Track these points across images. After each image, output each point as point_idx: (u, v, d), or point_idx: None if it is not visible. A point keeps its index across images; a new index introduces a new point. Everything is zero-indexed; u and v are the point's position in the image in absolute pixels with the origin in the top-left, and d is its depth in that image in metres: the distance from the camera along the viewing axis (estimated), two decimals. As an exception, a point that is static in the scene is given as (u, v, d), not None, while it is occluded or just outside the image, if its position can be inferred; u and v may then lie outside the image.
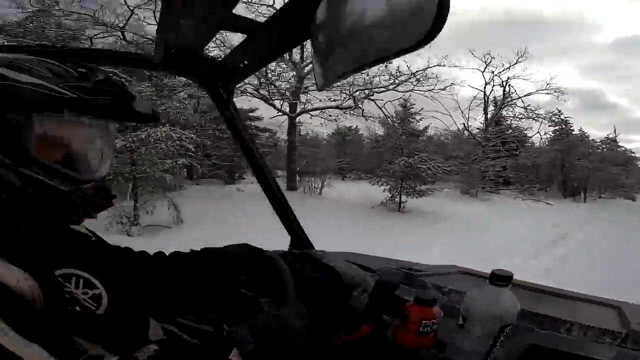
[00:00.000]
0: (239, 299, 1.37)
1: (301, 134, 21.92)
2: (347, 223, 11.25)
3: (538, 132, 27.07)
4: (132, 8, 13.97)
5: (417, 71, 18.21)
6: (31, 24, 12.84)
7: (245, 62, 1.24)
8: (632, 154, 29.90)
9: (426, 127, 22.10)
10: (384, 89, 18.21)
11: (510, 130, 25.66)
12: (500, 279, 0.90)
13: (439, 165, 15.79)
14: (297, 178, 17.76)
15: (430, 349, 1.02)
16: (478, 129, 26.32)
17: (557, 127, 27.31)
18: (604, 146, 28.51)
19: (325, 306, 1.40)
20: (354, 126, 29.31)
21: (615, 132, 28.84)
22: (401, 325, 1.04)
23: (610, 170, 25.73)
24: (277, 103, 17.51)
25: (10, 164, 0.76)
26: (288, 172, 17.92)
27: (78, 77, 0.82)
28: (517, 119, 26.21)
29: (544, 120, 25.97)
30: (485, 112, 26.00)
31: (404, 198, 14.90)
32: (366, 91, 17.79)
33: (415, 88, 18.48)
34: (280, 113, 17.68)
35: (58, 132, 0.82)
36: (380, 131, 23.72)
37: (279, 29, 0.97)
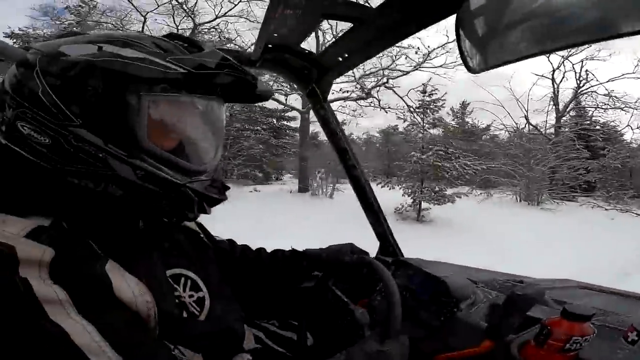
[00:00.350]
0: (328, 305, 1.30)
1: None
2: (338, 232, 8.55)
3: (628, 126, 20.65)
4: (144, 14, 14.31)
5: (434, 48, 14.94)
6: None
7: (346, 55, 1.18)
8: None
9: (488, 126, 20.20)
10: (399, 73, 15.44)
11: (596, 126, 20.79)
12: None
13: (467, 163, 13.17)
14: (313, 179, 16.02)
15: None
16: (558, 125, 21.59)
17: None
18: None
19: (425, 318, 1.30)
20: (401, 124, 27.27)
21: None
22: (535, 341, 0.92)
23: None
24: (285, 97, 16.54)
25: (122, 155, 0.67)
26: (300, 173, 16.65)
27: (186, 50, 0.73)
28: (602, 110, 20.84)
29: (635, 111, 19.73)
30: (556, 103, 21.54)
31: (425, 205, 12.19)
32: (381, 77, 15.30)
33: (439, 69, 15.42)
34: (290, 108, 16.79)
35: (168, 114, 0.73)
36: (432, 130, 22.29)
37: (398, 12, 0.89)
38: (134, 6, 14.02)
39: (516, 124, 21.37)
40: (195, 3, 14.37)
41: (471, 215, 12.24)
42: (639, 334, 0.82)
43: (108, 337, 0.59)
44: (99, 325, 0.59)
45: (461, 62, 0.75)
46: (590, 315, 0.86)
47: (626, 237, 10.03)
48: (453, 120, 23.95)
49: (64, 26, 14.34)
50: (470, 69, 0.74)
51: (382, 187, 12.90)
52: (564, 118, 21.84)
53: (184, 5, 14.31)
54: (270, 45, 1.18)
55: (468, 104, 19.86)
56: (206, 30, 15.39)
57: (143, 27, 14.42)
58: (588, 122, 21.05)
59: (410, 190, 12.38)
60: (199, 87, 0.73)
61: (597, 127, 20.93)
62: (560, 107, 21.59)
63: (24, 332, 0.54)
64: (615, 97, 19.65)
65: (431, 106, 14.82)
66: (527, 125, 20.95)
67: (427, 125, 14.30)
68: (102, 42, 0.67)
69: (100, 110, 0.66)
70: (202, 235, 1.00)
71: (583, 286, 1.39)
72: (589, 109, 21.48)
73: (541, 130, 21.08)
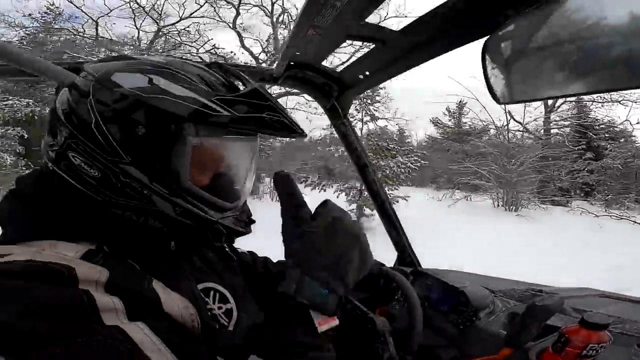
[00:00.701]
0: (348, 315, 1.33)
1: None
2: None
3: (627, 121, 17.97)
4: (95, 19, 13.77)
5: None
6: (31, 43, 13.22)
7: (367, 74, 1.22)
8: None
9: (485, 126, 18.82)
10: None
11: (601, 123, 18.88)
12: None
13: (401, 160, 11.78)
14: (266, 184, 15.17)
15: None
16: (547, 117, 19.31)
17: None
18: None
19: (445, 327, 1.32)
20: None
21: None
22: (553, 349, 0.95)
23: None
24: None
25: (165, 193, 0.70)
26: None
27: (227, 86, 0.75)
28: (598, 104, 18.41)
29: (635, 104, 17.10)
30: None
31: (369, 211, 10.87)
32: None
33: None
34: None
35: (209, 155, 0.76)
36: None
37: (419, 36, 0.94)
38: (85, 12, 13.59)
39: (493, 120, 18.87)
40: (163, 5, 14.00)
41: (424, 223, 10.60)
42: None
43: (162, 336, 0.60)
44: (152, 326, 0.61)
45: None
46: (607, 324, 0.89)
47: (607, 254, 8.19)
48: (450, 120, 23.28)
49: (27, 33, 14.14)
50: (496, 99, 0.75)
51: (312, 189, 12.03)
52: (553, 113, 20.06)
53: (150, 8, 13.93)
54: (292, 63, 1.24)
55: (465, 103, 19.04)
56: (176, 32, 14.92)
57: (97, 31, 13.95)
58: (582, 117, 19.45)
59: (344, 193, 11.71)
60: (241, 129, 0.73)
61: (602, 125, 19.54)
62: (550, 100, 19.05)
63: (87, 338, 0.55)
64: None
65: (369, 96, 13.89)
66: (510, 120, 18.56)
67: (365, 118, 13.59)
68: (152, 73, 0.69)
69: (148, 149, 0.68)
70: (227, 249, 1.04)
71: (602, 295, 1.40)
72: (586, 102, 19.46)
73: (527, 126, 19.25)
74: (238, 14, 14.61)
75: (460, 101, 18.07)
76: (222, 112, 0.69)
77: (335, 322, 0.69)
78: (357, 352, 1.27)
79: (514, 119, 18.75)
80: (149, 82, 0.68)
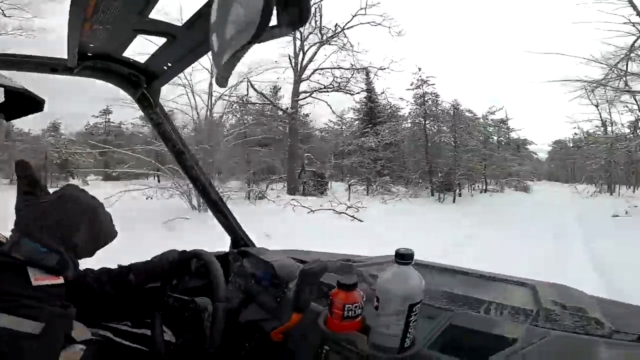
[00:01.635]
0: (172, 307, 1.39)
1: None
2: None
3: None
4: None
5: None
6: None
7: (169, 65, 1.23)
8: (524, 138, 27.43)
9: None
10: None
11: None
12: (403, 257, 0.93)
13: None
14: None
15: (357, 332, 1.04)
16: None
17: (417, 91, 18.61)
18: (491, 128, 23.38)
19: (266, 301, 1.43)
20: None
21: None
22: (328, 312, 1.07)
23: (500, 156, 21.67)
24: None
25: None
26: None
27: None
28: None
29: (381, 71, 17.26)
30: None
31: None
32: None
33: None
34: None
35: None
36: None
37: (200, 28, 0.97)
38: None
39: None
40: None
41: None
42: (378, 300, 0.95)
43: None
44: None
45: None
46: (354, 284, 1.03)
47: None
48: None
49: None
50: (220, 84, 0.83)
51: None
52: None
53: None
54: (89, 54, 1.20)
55: (279, 88, 18.15)
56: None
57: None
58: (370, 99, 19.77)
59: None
60: None
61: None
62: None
63: None
64: (350, 50, 17.04)
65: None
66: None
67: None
68: None
69: None
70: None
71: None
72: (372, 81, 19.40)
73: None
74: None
75: (274, 87, 17.76)
76: None
77: (58, 280, 0.84)
78: (197, 336, 1.32)
79: (261, 93, 17.28)
80: None
